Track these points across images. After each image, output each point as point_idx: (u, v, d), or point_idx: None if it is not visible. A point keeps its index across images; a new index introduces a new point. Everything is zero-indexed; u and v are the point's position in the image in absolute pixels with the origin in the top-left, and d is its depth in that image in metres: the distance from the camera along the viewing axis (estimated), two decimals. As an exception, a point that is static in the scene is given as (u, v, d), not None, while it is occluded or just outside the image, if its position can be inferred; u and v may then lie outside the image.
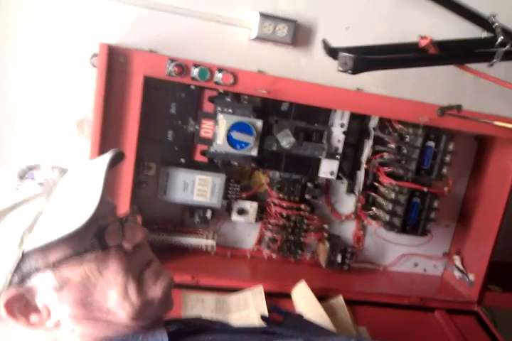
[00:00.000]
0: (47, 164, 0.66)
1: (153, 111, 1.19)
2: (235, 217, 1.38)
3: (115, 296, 0.61)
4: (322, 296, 1.29)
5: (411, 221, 1.37)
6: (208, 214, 1.35)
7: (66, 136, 1.26)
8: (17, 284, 0.58)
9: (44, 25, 1.19)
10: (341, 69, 1.07)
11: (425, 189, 1.34)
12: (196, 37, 1.23)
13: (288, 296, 1.29)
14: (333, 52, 1.13)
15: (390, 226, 1.37)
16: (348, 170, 1.40)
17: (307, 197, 1.40)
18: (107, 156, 0.62)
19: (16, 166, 0.63)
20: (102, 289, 0.60)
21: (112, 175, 1.13)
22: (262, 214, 1.41)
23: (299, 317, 0.96)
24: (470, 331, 1.35)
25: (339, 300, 1.31)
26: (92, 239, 0.59)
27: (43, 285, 0.58)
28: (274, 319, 0.98)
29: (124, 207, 1.14)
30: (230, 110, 1.18)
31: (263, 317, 0.97)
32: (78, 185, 0.61)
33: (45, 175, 0.62)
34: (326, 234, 1.47)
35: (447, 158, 1.32)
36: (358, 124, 1.34)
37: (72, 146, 1.26)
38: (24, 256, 0.56)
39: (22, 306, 0.59)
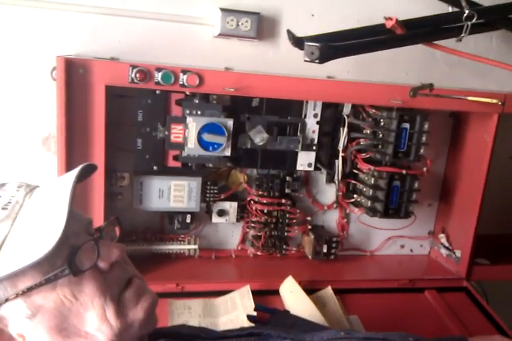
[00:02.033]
0: (13, 183, 0.61)
1: (120, 120, 1.14)
2: (215, 218, 1.35)
3: (92, 319, 0.57)
4: (311, 289, 1.27)
5: (393, 204, 1.36)
6: (188, 218, 1.31)
7: (33, 153, 1.21)
8: None
9: (1, 40, 1.12)
10: (308, 59, 1.03)
11: (404, 171, 1.33)
12: (159, 39, 1.19)
13: (276, 293, 1.27)
14: (298, 42, 1.09)
15: (372, 211, 1.36)
16: (325, 159, 1.38)
17: (287, 191, 1.38)
18: (73, 173, 0.58)
19: None
20: (78, 313, 0.57)
21: (83, 189, 1.08)
22: (242, 213, 1.38)
23: (286, 312, 0.94)
24: (461, 307, 1.36)
25: (328, 291, 1.29)
26: (63, 264, 0.55)
27: (15, 313, 0.56)
28: (261, 318, 0.96)
29: (98, 221, 1.09)
30: (199, 112, 1.13)
31: (249, 317, 0.96)
32: (45, 204, 0.57)
33: (9, 197, 0.58)
34: (309, 226, 1.46)
35: (423, 139, 1.31)
36: (331, 113, 1.32)
37: (40, 163, 1.21)
38: None
39: None
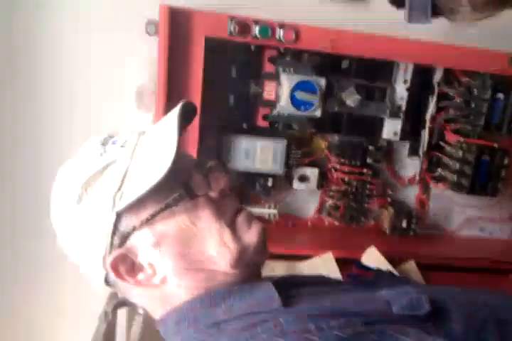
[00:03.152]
0: (125, 130, 0.66)
1: (213, 76, 1.15)
2: (296, 184, 1.34)
3: (212, 244, 0.60)
4: (391, 262, 1.24)
5: (481, 180, 1.31)
6: (270, 182, 1.31)
7: (125, 109, 1.23)
8: (118, 246, 0.59)
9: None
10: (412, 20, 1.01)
11: (495, 145, 1.27)
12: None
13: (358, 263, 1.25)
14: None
15: (457, 187, 1.32)
16: (409, 130, 1.34)
17: (369, 161, 1.34)
18: (177, 109, 0.61)
19: (97, 137, 0.65)
20: (198, 239, 0.60)
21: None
22: (323, 180, 1.36)
23: (390, 273, 0.92)
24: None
25: (411, 265, 1.26)
26: (179, 189, 0.58)
27: (142, 242, 0.59)
28: (363, 277, 0.94)
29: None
30: (292, 69, 1.13)
31: (350, 276, 0.94)
32: (156, 141, 0.61)
33: (125, 139, 0.63)
34: (389, 199, 1.42)
35: (519, 111, 1.25)
36: (421, 80, 1.27)
37: (131, 120, 1.23)
38: (119, 217, 0.58)
39: (128, 266, 0.60)
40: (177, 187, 0.58)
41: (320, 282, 0.72)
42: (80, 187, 0.59)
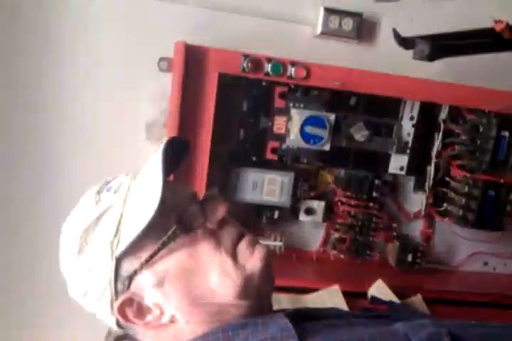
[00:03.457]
0: (121, 175, 0.66)
1: (224, 111, 1.18)
2: (302, 217, 1.34)
3: (215, 277, 0.59)
4: (397, 296, 1.24)
5: (486, 215, 1.32)
6: (276, 214, 1.31)
7: (134, 141, 1.25)
8: (122, 291, 0.59)
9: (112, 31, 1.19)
10: (417, 56, 1.04)
11: (502, 180, 1.29)
12: (262, 36, 1.22)
13: (364, 296, 1.24)
14: (405, 41, 1.11)
15: (463, 221, 1.32)
16: (416, 165, 1.35)
17: (375, 194, 1.36)
18: (161, 148, 0.61)
19: (95, 187, 0.65)
20: (200, 273, 0.59)
21: (187, 177, 1.11)
22: (329, 213, 1.37)
23: (404, 304, 0.91)
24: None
25: (418, 298, 1.25)
26: (173, 225, 0.58)
27: (146, 285, 0.59)
28: (377, 310, 0.93)
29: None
30: (302, 105, 1.16)
31: (365, 310, 0.93)
32: (144, 183, 0.62)
33: (118, 183, 0.64)
34: (394, 233, 1.43)
35: (524, 148, 1.27)
36: (427, 117, 1.30)
37: (140, 152, 1.25)
38: (118, 263, 0.58)
39: (135, 310, 0.60)
40: (172, 224, 0.58)
41: (334, 315, 0.71)
42: (79, 238, 0.60)
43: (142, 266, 0.58)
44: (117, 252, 0.58)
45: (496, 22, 1.10)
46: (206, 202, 0.63)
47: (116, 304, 0.59)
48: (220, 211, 0.62)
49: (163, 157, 0.59)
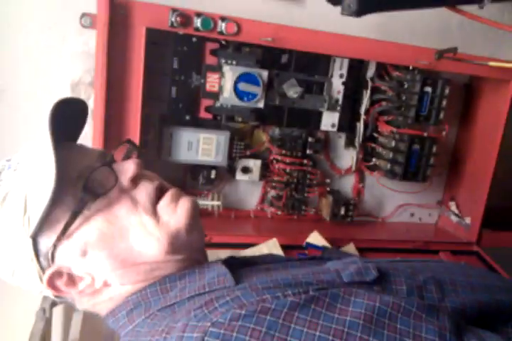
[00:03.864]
0: (20, 151, 0.63)
1: (154, 68, 1.14)
2: (239, 175, 1.36)
3: (138, 238, 0.58)
4: (332, 245, 1.30)
5: (412, 168, 1.40)
6: (213, 174, 1.32)
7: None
8: (48, 265, 0.58)
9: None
10: (345, 12, 1.05)
11: (425, 134, 1.36)
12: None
13: (301, 248, 1.29)
14: (333, -3, 1.12)
15: (391, 174, 1.40)
16: (346, 123, 1.40)
17: (309, 152, 1.39)
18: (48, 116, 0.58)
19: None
20: (122, 236, 0.58)
21: (121, 136, 1.08)
22: (265, 171, 1.40)
23: (337, 248, 0.95)
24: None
25: (351, 247, 1.32)
26: (80, 193, 0.56)
27: (70, 256, 0.58)
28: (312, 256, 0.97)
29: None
30: (234, 62, 1.15)
31: (300, 256, 0.97)
32: (39, 152, 0.58)
33: (18, 161, 0.60)
34: (328, 188, 1.48)
35: (444, 103, 1.34)
36: (355, 75, 1.34)
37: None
38: (35, 240, 0.57)
39: (66, 280, 0.59)
40: (79, 191, 0.56)
41: (269, 260, 0.73)
42: None
43: (60, 239, 0.57)
44: (31, 230, 0.56)
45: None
46: (115, 161, 0.61)
47: (45, 279, 0.58)
48: (131, 168, 0.59)
49: (50, 125, 0.56)
